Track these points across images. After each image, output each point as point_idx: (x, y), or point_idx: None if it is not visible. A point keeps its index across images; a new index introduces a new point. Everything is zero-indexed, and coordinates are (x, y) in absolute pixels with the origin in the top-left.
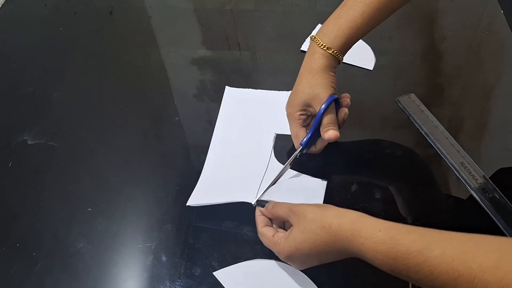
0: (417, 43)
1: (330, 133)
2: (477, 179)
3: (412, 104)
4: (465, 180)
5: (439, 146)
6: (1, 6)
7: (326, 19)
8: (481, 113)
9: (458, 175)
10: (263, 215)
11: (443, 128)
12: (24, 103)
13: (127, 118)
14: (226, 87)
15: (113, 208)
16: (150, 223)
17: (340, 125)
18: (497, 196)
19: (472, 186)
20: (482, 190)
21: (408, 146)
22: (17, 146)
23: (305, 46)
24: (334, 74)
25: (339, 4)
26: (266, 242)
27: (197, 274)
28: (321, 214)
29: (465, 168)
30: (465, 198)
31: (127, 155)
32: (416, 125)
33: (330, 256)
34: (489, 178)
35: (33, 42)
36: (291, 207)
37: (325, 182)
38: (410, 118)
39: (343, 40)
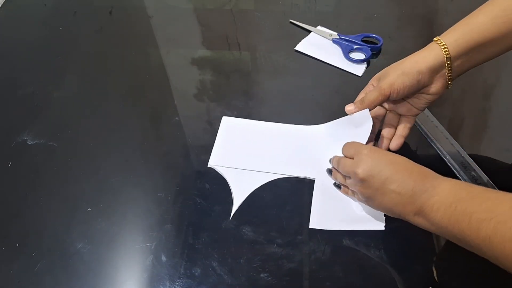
0: (417, 43)
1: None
2: (477, 179)
3: None
4: (465, 180)
5: (439, 146)
6: (1, 6)
7: (326, 19)
8: (481, 113)
9: (458, 175)
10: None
11: (443, 128)
12: (24, 103)
13: (127, 118)
14: (223, 117)
15: (113, 208)
16: (150, 223)
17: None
18: None
19: None
20: None
21: (408, 146)
22: (17, 146)
23: (299, 47)
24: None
25: (339, 5)
26: (347, 168)
27: (197, 274)
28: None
29: (465, 168)
30: None
31: (127, 155)
32: (416, 125)
33: (405, 205)
34: (489, 178)
35: (33, 42)
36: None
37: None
38: None
39: (463, 44)
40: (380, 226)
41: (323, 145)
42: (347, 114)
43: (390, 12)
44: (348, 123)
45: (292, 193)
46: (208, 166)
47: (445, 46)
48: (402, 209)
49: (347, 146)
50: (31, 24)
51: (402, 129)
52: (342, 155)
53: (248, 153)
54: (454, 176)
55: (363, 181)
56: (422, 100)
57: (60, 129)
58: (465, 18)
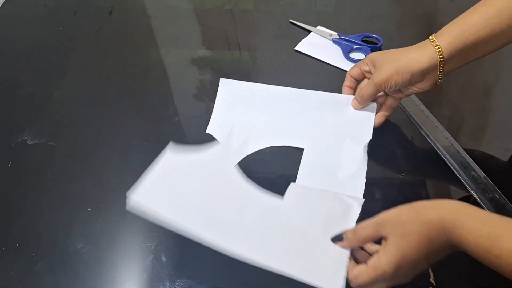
0: (417, 43)
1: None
2: (477, 179)
3: (412, 104)
4: (465, 180)
5: (439, 146)
6: (1, 6)
7: (326, 19)
8: (481, 113)
9: (458, 175)
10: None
11: (443, 128)
12: (24, 103)
13: (127, 118)
14: (221, 79)
15: (113, 208)
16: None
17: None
18: (497, 196)
19: (472, 186)
20: (482, 190)
21: (408, 146)
22: (17, 146)
23: (299, 47)
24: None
25: (339, 5)
26: (367, 278)
27: (197, 274)
28: (416, 211)
29: (465, 168)
30: (465, 198)
31: (127, 155)
32: (416, 125)
33: (438, 254)
34: (489, 178)
35: (33, 42)
36: (376, 220)
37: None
38: (410, 118)
39: (457, 42)
40: (359, 194)
41: (317, 113)
42: None
43: (390, 12)
44: (348, 104)
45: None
46: (207, 132)
47: (440, 49)
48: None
49: (366, 226)
50: (31, 24)
51: (387, 108)
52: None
53: (244, 120)
54: (454, 176)
55: (393, 275)
56: (410, 90)
57: (60, 129)
58: (461, 16)
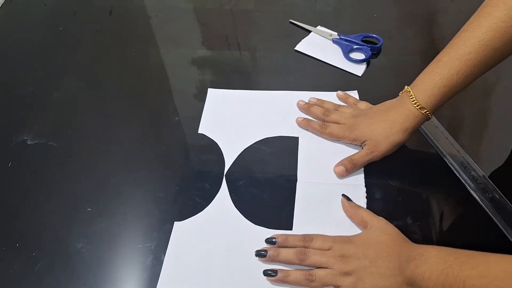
0: (417, 43)
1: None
2: (477, 179)
3: None
4: (465, 180)
5: (439, 146)
6: (1, 6)
7: (326, 19)
8: (481, 113)
9: (458, 175)
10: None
11: (443, 128)
12: (24, 103)
13: (127, 118)
14: (209, 89)
15: (113, 208)
16: (150, 223)
17: None
18: (497, 196)
19: (472, 186)
20: (482, 190)
21: (408, 146)
22: (17, 146)
23: (299, 47)
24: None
25: (339, 5)
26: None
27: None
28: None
29: (465, 168)
30: (465, 198)
31: (127, 155)
32: None
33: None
34: (489, 178)
35: (33, 42)
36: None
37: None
38: None
39: (438, 99)
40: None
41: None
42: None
43: (390, 12)
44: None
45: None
46: (199, 132)
47: (426, 111)
48: (393, 282)
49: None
50: (31, 24)
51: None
52: None
53: (235, 120)
54: (454, 176)
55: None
56: None
57: (60, 129)
58: (433, 63)
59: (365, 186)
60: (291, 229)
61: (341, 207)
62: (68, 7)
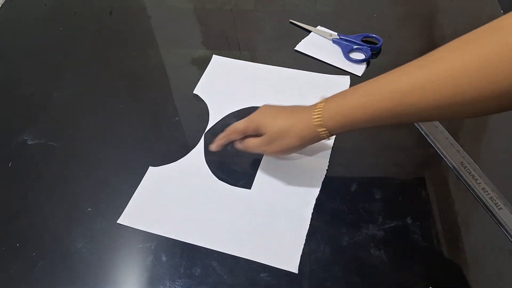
0: (417, 43)
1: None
2: (477, 179)
3: None
4: (465, 180)
5: (439, 146)
6: (1, 6)
7: (326, 19)
8: None
9: (458, 175)
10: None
11: (443, 128)
12: (24, 103)
13: (127, 118)
14: (214, 55)
15: (113, 208)
16: None
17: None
18: (497, 196)
19: (472, 186)
20: (482, 190)
21: (408, 146)
22: (17, 146)
23: (299, 47)
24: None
25: (339, 5)
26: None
27: (197, 274)
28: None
29: (465, 168)
30: (465, 198)
31: (127, 155)
32: (416, 125)
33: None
34: (489, 178)
35: (33, 42)
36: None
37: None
38: None
39: (341, 126)
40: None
41: (302, 91)
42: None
43: (390, 12)
44: (328, 83)
45: None
46: (194, 93)
47: (324, 130)
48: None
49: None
50: (31, 24)
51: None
52: None
53: (229, 87)
54: (454, 176)
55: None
56: None
57: (60, 129)
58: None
59: (362, 185)
60: (249, 188)
61: (298, 176)
62: (68, 7)
